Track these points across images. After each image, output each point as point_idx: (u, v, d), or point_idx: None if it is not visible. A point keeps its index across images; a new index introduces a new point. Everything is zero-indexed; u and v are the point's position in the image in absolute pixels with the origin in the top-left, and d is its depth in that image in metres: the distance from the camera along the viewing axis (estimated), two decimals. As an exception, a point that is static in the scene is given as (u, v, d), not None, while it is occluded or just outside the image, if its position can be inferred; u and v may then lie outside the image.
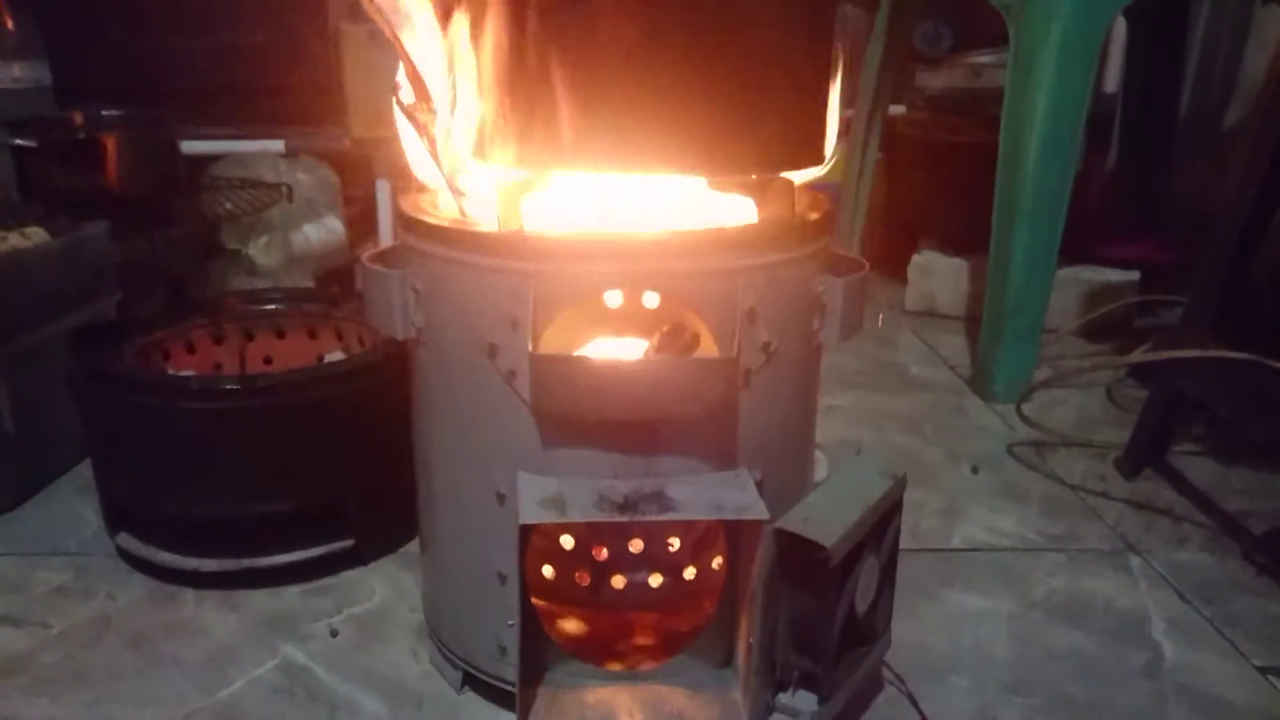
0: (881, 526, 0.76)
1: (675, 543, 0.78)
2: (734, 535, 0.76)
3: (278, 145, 1.78)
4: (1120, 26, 2.03)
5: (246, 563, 0.94)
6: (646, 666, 0.78)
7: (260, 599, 0.94)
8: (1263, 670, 0.86)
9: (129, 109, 1.52)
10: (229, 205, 1.62)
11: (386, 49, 0.75)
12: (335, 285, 1.59)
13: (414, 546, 0.96)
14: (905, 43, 1.98)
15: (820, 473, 1.09)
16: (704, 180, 0.72)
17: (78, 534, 1.05)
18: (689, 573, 0.79)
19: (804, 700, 0.73)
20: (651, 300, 0.69)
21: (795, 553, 0.68)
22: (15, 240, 1.12)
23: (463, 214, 0.74)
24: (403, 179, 0.79)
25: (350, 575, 0.98)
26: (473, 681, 0.80)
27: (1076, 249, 1.65)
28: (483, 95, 0.69)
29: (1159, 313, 1.80)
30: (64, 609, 0.92)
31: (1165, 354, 1.09)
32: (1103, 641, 0.89)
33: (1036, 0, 1.35)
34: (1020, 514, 1.12)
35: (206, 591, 0.94)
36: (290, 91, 1.87)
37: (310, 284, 1.73)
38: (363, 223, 1.93)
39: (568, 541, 0.78)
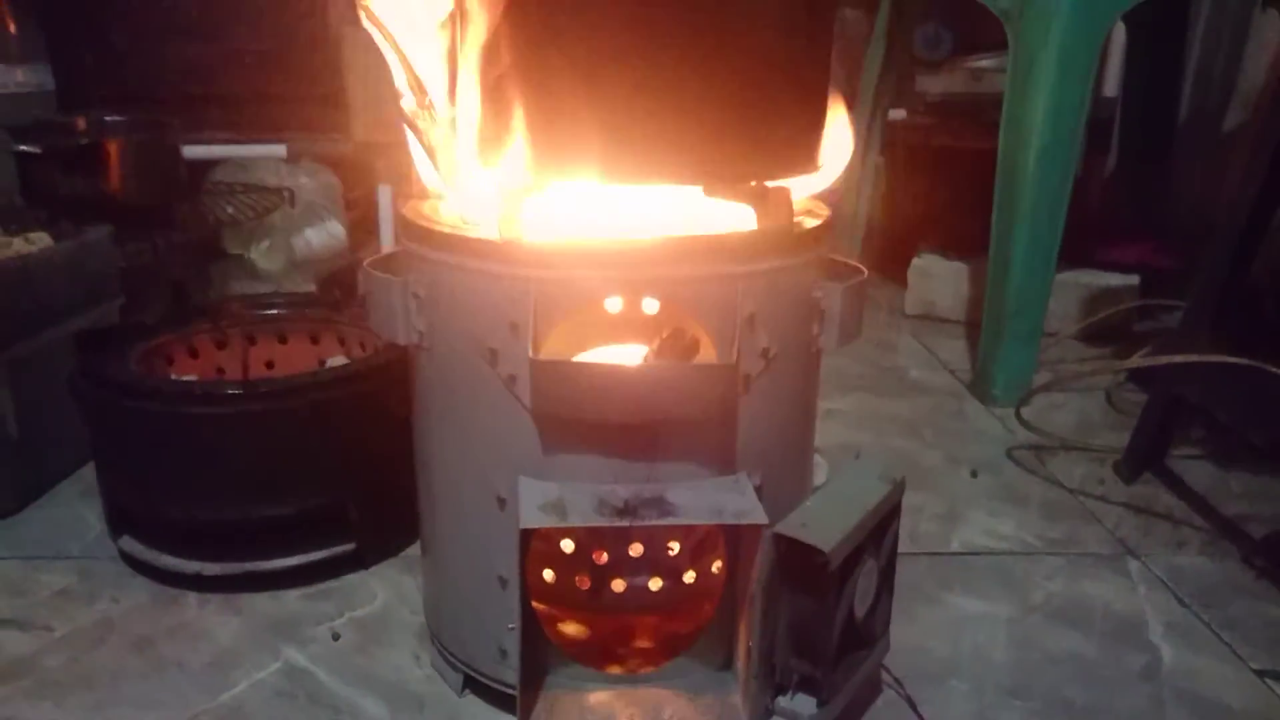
0: (880, 531, 0.76)
1: (675, 547, 0.79)
2: (733, 539, 0.76)
3: (279, 150, 1.79)
4: (1120, 30, 2.03)
5: (249, 566, 0.95)
6: (646, 670, 0.79)
7: (262, 602, 0.94)
8: (1261, 674, 0.86)
9: (131, 114, 1.53)
10: (230, 210, 1.62)
11: (388, 54, 0.75)
12: (337, 290, 1.60)
13: (415, 550, 0.96)
14: (905, 47, 1.99)
15: (820, 476, 1.09)
16: (702, 188, 0.73)
17: (81, 537, 1.05)
18: (689, 576, 0.79)
19: (803, 703, 0.73)
20: (651, 306, 0.70)
21: (794, 557, 0.68)
22: (19, 245, 1.12)
23: (464, 220, 0.74)
24: (404, 183, 0.80)
25: (352, 579, 0.98)
26: (473, 684, 0.81)
27: (1076, 252, 1.65)
28: (483, 103, 0.69)
29: (1159, 316, 1.80)
30: (67, 612, 0.92)
31: (1164, 359, 1.09)
32: (1101, 645, 0.90)
33: (1035, 5, 1.36)
34: (1019, 517, 1.13)
35: (209, 595, 0.95)
36: (292, 96, 1.87)
37: (312, 288, 1.73)
38: (364, 227, 1.94)
39: (568, 545, 0.78)
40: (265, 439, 0.94)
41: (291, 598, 0.95)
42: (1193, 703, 0.82)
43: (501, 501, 0.72)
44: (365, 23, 0.74)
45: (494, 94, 0.68)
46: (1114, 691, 0.83)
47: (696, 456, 0.72)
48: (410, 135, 0.76)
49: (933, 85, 2.16)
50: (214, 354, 1.14)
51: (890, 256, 2.03)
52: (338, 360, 1.14)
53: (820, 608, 0.70)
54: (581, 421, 0.69)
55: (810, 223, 0.74)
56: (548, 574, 0.80)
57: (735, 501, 0.70)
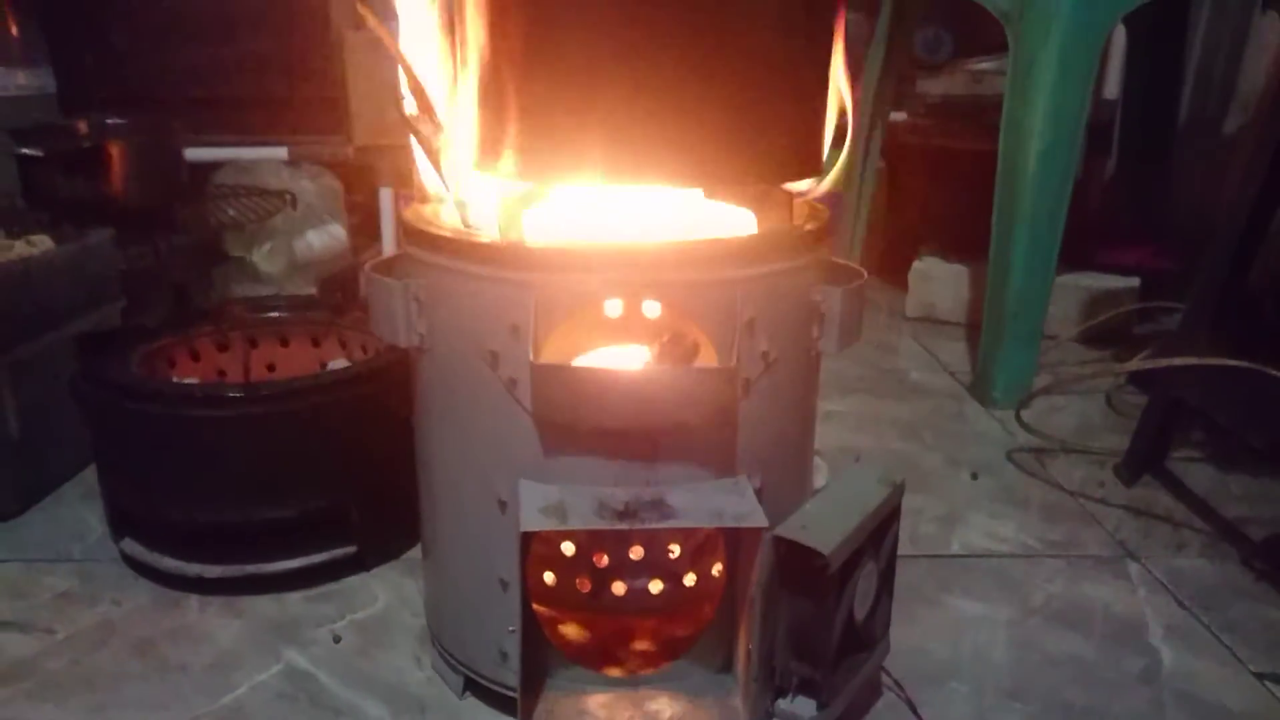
0: (880, 533, 0.76)
1: (675, 549, 0.79)
2: (733, 542, 0.76)
3: (281, 153, 1.79)
4: (1120, 33, 2.03)
5: (250, 569, 0.95)
6: (647, 672, 0.79)
7: (264, 605, 0.94)
8: (1260, 676, 0.86)
9: (133, 116, 1.53)
10: (232, 212, 1.63)
11: (389, 57, 0.76)
12: (338, 293, 1.60)
13: (416, 553, 0.96)
14: (906, 49, 1.99)
15: (820, 478, 1.10)
16: (703, 191, 0.73)
17: (82, 540, 1.05)
18: (689, 579, 0.80)
19: (803, 706, 0.73)
20: (652, 310, 0.70)
21: (794, 560, 0.69)
22: (21, 248, 1.13)
23: (465, 224, 0.75)
24: (405, 186, 0.80)
25: (353, 581, 0.99)
26: (474, 687, 0.81)
27: (1076, 255, 1.65)
28: (483, 107, 0.69)
29: (1159, 319, 1.80)
30: (69, 615, 0.93)
31: (1163, 362, 1.10)
32: (1101, 647, 0.90)
33: (1035, 8, 1.36)
34: (1019, 520, 1.13)
35: (210, 597, 0.95)
36: (293, 99, 1.88)
37: (313, 291, 1.74)
38: (365, 230, 1.94)
39: (569, 548, 0.79)
40: (267, 442, 0.94)
41: (293, 600, 0.95)
42: (1192, 705, 0.82)
43: (502, 504, 0.73)
44: (368, 25, 0.74)
45: (494, 97, 0.68)
46: (1113, 694, 0.83)
47: (697, 459, 0.72)
48: (412, 139, 0.76)
49: (933, 87, 2.16)
50: (215, 356, 1.14)
51: (891, 259, 2.03)
52: (339, 363, 1.14)
53: (820, 610, 0.70)
54: (582, 425, 0.69)
55: (810, 226, 0.75)
56: (548, 576, 0.80)
57: (735, 504, 0.70)
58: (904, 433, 1.38)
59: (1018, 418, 1.33)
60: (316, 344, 1.17)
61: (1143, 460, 1.22)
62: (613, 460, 0.70)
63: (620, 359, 0.72)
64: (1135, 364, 1.29)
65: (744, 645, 0.73)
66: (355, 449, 0.97)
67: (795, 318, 0.74)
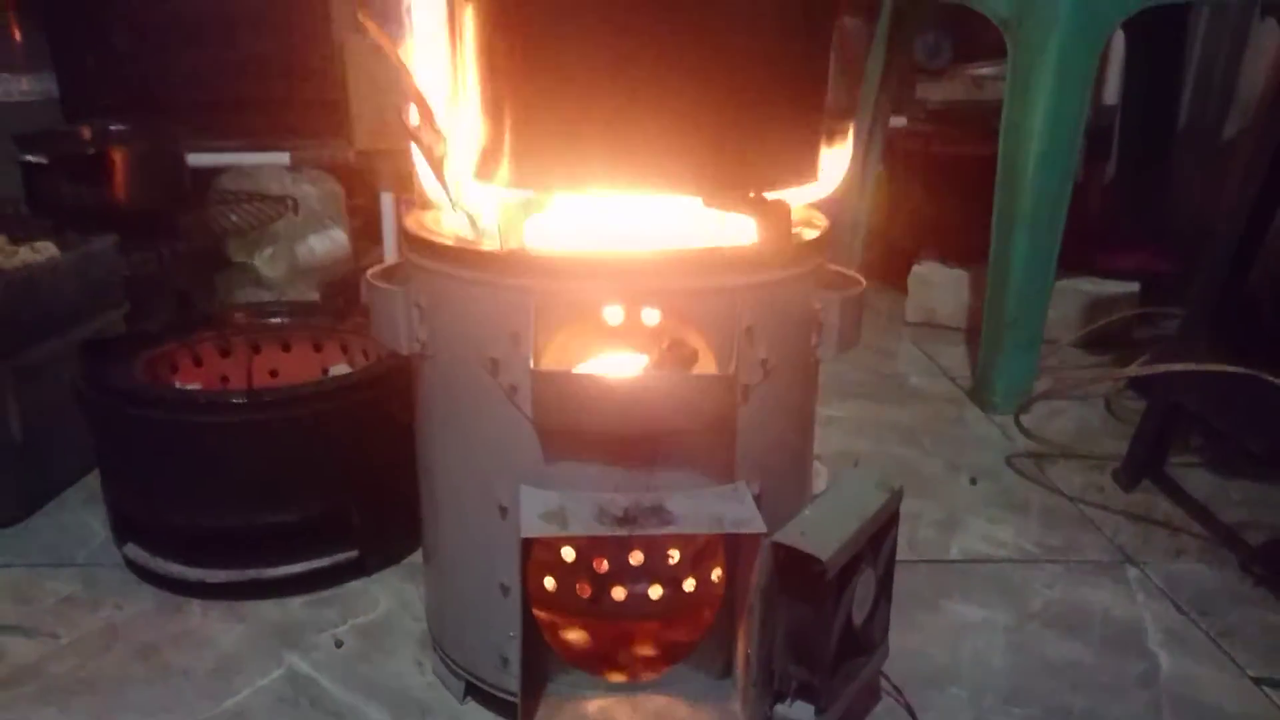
0: (878, 539, 0.76)
1: (675, 555, 0.79)
2: (733, 548, 0.77)
3: (283, 158, 1.80)
4: (1119, 38, 2.04)
5: (252, 574, 0.96)
6: (647, 677, 0.79)
7: (266, 609, 0.95)
8: (1258, 681, 0.86)
9: (135, 122, 1.54)
10: (234, 218, 1.64)
11: (390, 62, 0.76)
12: (340, 298, 1.61)
13: (418, 558, 0.97)
14: (906, 55, 2.00)
15: (820, 483, 1.10)
16: (702, 199, 0.73)
17: (86, 545, 1.06)
18: (689, 584, 0.80)
19: (802, 711, 0.74)
20: (651, 317, 0.70)
21: (792, 565, 0.69)
22: (25, 254, 1.13)
23: (466, 231, 0.75)
24: (407, 190, 0.81)
25: (355, 586, 0.99)
26: (475, 692, 0.81)
27: (1076, 259, 1.66)
28: (484, 116, 0.70)
29: (1159, 323, 1.80)
30: (72, 619, 0.93)
31: (1161, 368, 1.10)
32: (1099, 652, 0.90)
33: (1034, 13, 1.37)
34: (1019, 525, 1.13)
35: (213, 602, 0.95)
36: (295, 104, 1.88)
37: (315, 296, 1.74)
38: (367, 234, 1.95)
39: (569, 554, 0.79)
40: (269, 447, 0.94)
41: (295, 605, 0.96)
42: (1190, 710, 0.83)
43: (503, 510, 0.73)
44: (373, 33, 0.75)
45: (494, 105, 0.69)
46: (1111, 698, 0.84)
47: (696, 466, 0.72)
48: (413, 147, 0.76)
49: (933, 93, 2.17)
50: (218, 362, 1.15)
51: (891, 263, 2.03)
52: (341, 369, 1.14)
53: (818, 615, 0.71)
54: (582, 431, 0.70)
55: (809, 234, 0.75)
56: (549, 582, 0.80)
57: (734, 510, 0.70)
58: (904, 438, 1.38)
59: (1017, 423, 1.34)
60: (318, 349, 1.17)
61: (1142, 465, 1.22)
62: (613, 466, 0.71)
63: (620, 366, 0.72)
64: (1133, 369, 1.29)
65: (743, 650, 0.74)
66: (357, 454, 0.97)
67: (794, 325, 0.74)
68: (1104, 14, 1.36)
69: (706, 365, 0.71)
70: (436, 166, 0.75)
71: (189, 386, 1.09)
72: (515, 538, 0.69)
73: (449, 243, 0.72)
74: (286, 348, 1.17)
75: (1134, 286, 1.80)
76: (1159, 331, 1.79)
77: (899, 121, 2.13)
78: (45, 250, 1.15)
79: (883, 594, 0.79)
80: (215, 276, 1.71)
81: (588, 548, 0.78)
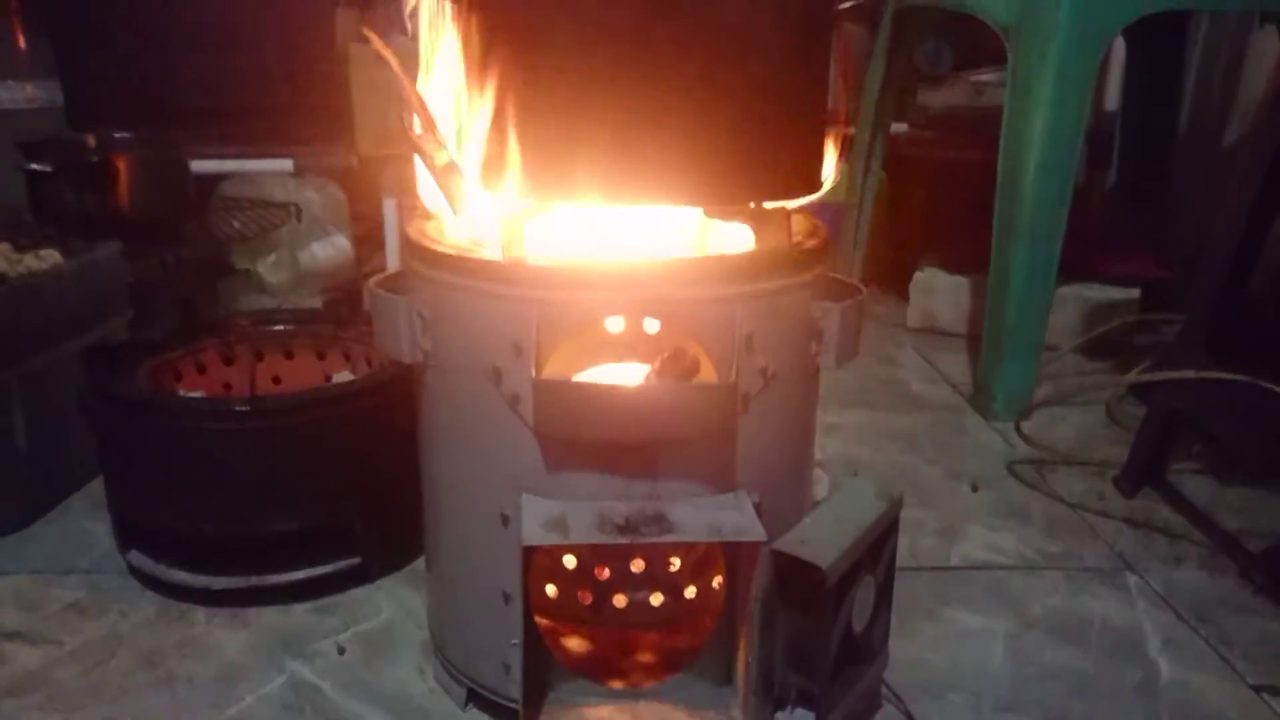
0: (878, 547, 0.77)
1: (676, 563, 0.80)
2: (733, 556, 0.77)
3: (286, 164, 1.80)
4: (1119, 45, 2.04)
5: (255, 581, 0.96)
6: (648, 684, 0.80)
7: (269, 616, 0.95)
8: (1258, 689, 0.87)
9: (139, 129, 1.54)
10: (237, 225, 1.64)
11: (392, 76, 0.77)
12: (343, 305, 1.61)
13: (420, 565, 0.97)
14: (907, 62, 2.00)
15: (821, 490, 1.10)
16: (702, 209, 0.74)
17: (90, 552, 1.06)
18: (689, 592, 0.81)
19: (801, 718, 0.74)
20: (652, 327, 0.71)
21: (792, 573, 0.69)
22: (30, 262, 1.14)
23: (468, 242, 0.76)
24: (409, 196, 0.81)
25: (357, 593, 0.99)
26: (477, 699, 0.82)
27: (1076, 266, 1.66)
28: (486, 127, 0.70)
29: (1159, 330, 1.80)
30: (76, 626, 0.93)
31: (1161, 375, 1.10)
32: (1099, 660, 0.90)
33: (1034, 21, 1.37)
34: (1019, 532, 1.13)
35: (216, 609, 0.96)
36: (298, 111, 1.89)
37: (318, 302, 1.75)
38: (370, 240, 1.95)
39: (570, 562, 0.79)
40: (272, 454, 0.95)
41: (298, 612, 0.96)
42: (1190, 717, 0.83)
43: (505, 518, 0.73)
44: (375, 47, 0.75)
45: (495, 116, 0.69)
46: (1111, 706, 0.84)
47: (696, 474, 0.73)
48: (416, 157, 0.77)
49: (934, 100, 2.17)
50: (221, 369, 1.15)
51: (892, 270, 2.03)
52: (344, 376, 1.15)
53: (818, 623, 0.71)
54: (583, 440, 0.70)
55: (808, 243, 0.75)
56: (550, 589, 0.81)
57: (734, 519, 0.71)
58: (904, 445, 1.38)
59: (1018, 429, 1.34)
60: (321, 357, 1.18)
61: (1142, 472, 1.22)
62: (614, 475, 0.71)
63: (621, 375, 0.73)
64: (1133, 377, 1.30)
65: (743, 658, 0.74)
66: (360, 462, 0.98)
67: (794, 334, 0.75)
68: (1104, 21, 1.37)
69: (707, 374, 0.71)
70: (438, 176, 0.76)
71: (192, 394, 1.09)
72: (517, 546, 0.69)
73: (451, 252, 0.72)
74: (290, 355, 1.18)
75: (1134, 292, 1.80)
76: (1160, 337, 1.79)
77: (900, 128, 2.14)
78: (49, 258, 1.16)
79: (883, 602, 0.80)
80: (219, 283, 1.71)
81: (589, 556, 0.79)
